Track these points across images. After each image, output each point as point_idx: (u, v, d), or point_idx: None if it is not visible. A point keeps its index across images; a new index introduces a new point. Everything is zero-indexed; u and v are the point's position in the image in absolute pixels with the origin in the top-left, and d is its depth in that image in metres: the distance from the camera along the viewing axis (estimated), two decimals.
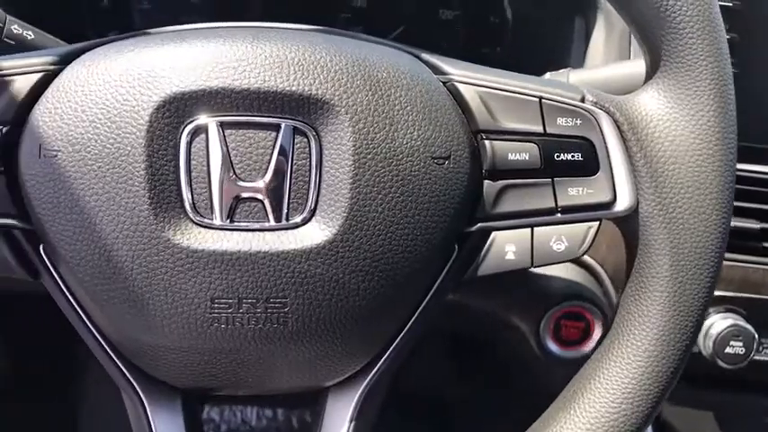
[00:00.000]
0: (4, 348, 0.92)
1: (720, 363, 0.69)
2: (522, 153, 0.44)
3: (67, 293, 0.45)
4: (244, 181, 0.42)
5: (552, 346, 0.68)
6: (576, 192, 0.45)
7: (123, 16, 0.82)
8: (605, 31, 0.73)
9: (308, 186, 0.42)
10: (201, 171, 0.41)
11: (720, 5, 0.45)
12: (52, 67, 0.43)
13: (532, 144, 0.44)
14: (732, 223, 0.46)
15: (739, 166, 0.46)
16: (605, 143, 0.45)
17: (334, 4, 0.84)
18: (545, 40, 0.81)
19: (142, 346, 0.44)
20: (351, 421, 0.47)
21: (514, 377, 1.06)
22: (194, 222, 0.41)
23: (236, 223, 0.42)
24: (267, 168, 0.42)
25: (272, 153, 0.42)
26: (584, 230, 0.46)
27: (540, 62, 0.65)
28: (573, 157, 0.45)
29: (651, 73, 0.46)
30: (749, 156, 0.70)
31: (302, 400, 1.15)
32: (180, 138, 0.41)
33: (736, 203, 0.46)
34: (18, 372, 0.96)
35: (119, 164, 0.41)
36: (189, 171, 0.41)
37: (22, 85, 0.43)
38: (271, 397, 1.14)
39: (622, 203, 0.45)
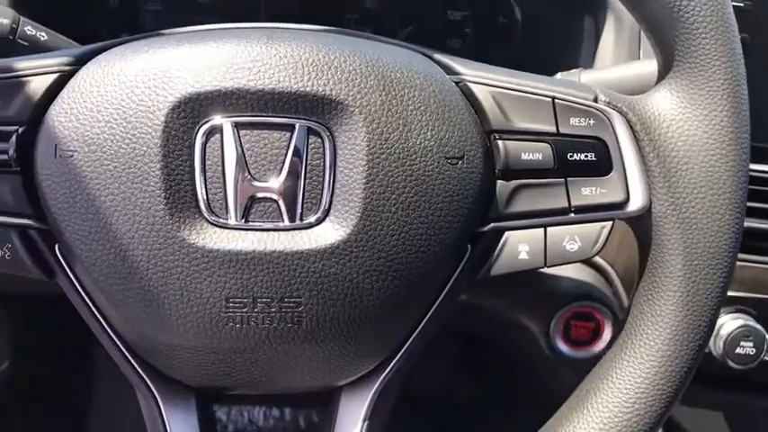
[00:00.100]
0: (14, 350, 0.92)
1: (731, 363, 0.69)
2: (535, 153, 0.44)
3: (83, 293, 0.45)
4: (258, 181, 0.42)
5: (562, 347, 0.69)
6: (590, 192, 0.45)
7: (132, 17, 0.83)
8: (615, 32, 0.73)
9: (322, 186, 0.42)
10: (216, 171, 0.42)
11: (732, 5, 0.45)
12: (67, 68, 0.44)
13: (545, 144, 0.44)
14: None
15: (751, 166, 0.46)
16: (618, 143, 0.45)
17: (343, 5, 0.84)
18: (554, 40, 0.81)
19: (157, 345, 0.44)
20: (364, 420, 0.47)
21: (521, 377, 1.06)
22: (209, 222, 0.42)
23: (250, 223, 0.42)
24: (281, 168, 0.42)
25: (287, 153, 0.42)
26: (597, 230, 0.46)
27: (550, 63, 0.65)
28: (586, 156, 0.45)
29: (664, 73, 0.46)
30: (762, 156, 0.70)
31: (309, 400, 1.15)
32: (195, 138, 0.41)
33: (747, 204, 0.46)
34: (27, 374, 0.97)
35: (134, 164, 0.41)
36: (204, 171, 0.42)
37: (37, 85, 0.43)
38: (278, 397, 1.14)
39: (635, 203, 0.45)
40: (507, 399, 1.10)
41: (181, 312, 0.42)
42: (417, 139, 0.43)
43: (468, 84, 0.45)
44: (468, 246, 0.46)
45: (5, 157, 0.42)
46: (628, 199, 0.45)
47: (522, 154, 0.44)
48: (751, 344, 0.69)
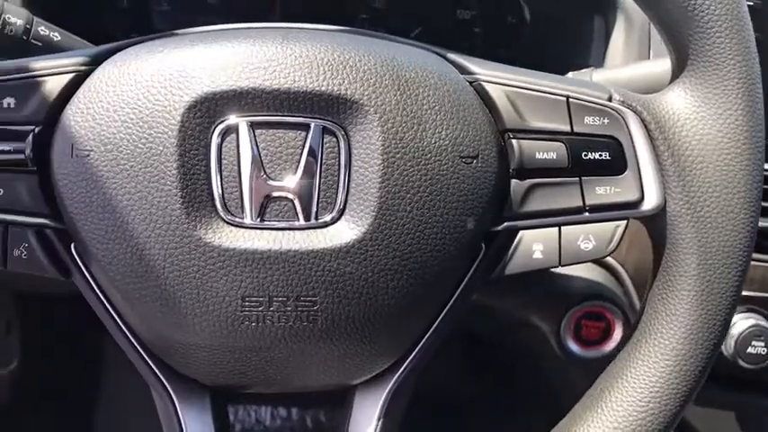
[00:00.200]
0: (24, 350, 0.93)
1: (742, 363, 0.69)
2: (549, 152, 0.44)
3: (99, 292, 0.45)
4: (274, 180, 0.42)
5: (573, 346, 0.69)
6: (604, 191, 0.45)
7: (142, 17, 0.83)
8: (625, 31, 0.73)
9: (337, 186, 0.42)
10: (232, 171, 0.42)
11: None
12: (83, 68, 0.44)
13: (560, 143, 0.45)
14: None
15: (766, 165, 0.46)
16: (633, 142, 0.45)
17: (353, 5, 0.84)
18: (564, 39, 0.81)
19: (173, 344, 0.45)
20: (378, 419, 0.47)
21: (528, 377, 1.06)
22: (225, 221, 0.42)
23: (266, 222, 0.42)
24: (297, 168, 0.42)
25: (302, 153, 0.42)
26: (611, 229, 0.46)
27: (559, 62, 0.65)
28: (600, 156, 0.45)
29: (678, 72, 0.46)
30: None
31: (316, 400, 1.16)
32: (211, 138, 0.42)
33: (762, 203, 0.46)
34: (36, 374, 0.97)
35: (151, 163, 0.41)
36: (220, 170, 0.42)
37: (53, 85, 0.43)
38: (285, 396, 1.14)
39: (650, 202, 0.45)
40: (513, 398, 1.10)
41: (197, 311, 0.42)
42: (432, 138, 0.43)
43: (483, 83, 0.45)
44: (483, 245, 0.46)
45: (22, 156, 0.42)
46: (642, 198, 0.45)
47: (537, 153, 0.44)
48: (762, 343, 0.69)
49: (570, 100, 0.45)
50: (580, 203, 0.45)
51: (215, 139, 0.42)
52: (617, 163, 0.45)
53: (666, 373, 0.45)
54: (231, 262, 0.41)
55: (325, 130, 0.42)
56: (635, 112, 0.45)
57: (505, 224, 0.45)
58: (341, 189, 0.42)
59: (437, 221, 0.43)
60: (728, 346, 0.69)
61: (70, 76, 0.43)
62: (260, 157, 0.42)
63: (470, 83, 0.45)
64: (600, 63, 0.75)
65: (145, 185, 0.41)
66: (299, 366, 0.45)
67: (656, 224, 0.46)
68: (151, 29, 0.82)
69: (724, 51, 0.43)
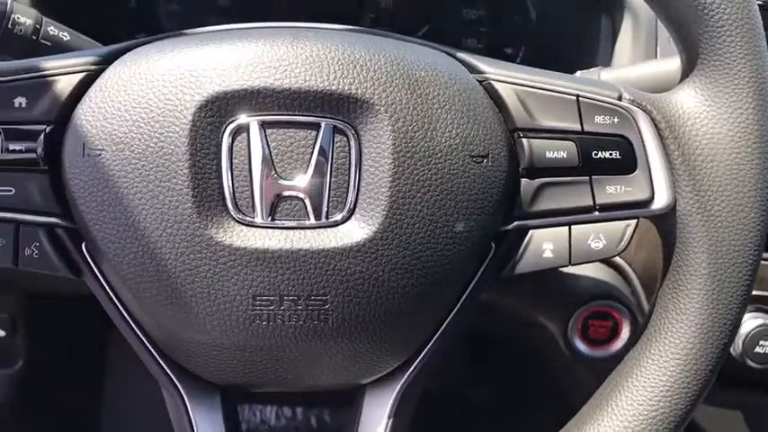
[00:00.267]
0: (29, 350, 0.93)
1: (749, 362, 0.69)
2: (559, 151, 0.44)
3: (110, 291, 0.45)
4: (284, 180, 0.42)
5: (580, 346, 0.68)
6: (614, 190, 0.45)
7: (150, 18, 0.83)
8: (632, 31, 0.73)
9: (348, 185, 0.42)
10: (243, 170, 0.42)
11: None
12: (94, 67, 0.44)
13: (570, 142, 0.45)
14: None
15: None
16: (643, 141, 0.45)
17: (359, 5, 0.84)
18: (571, 39, 0.81)
19: (183, 342, 0.45)
20: (389, 418, 0.47)
21: (535, 377, 1.06)
22: (236, 220, 0.42)
23: (277, 221, 0.42)
24: (307, 167, 0.42)
25: (313, 152, 0.42)
26: (621, 228, 0.46)
27: (566, 62, 0.65)
28: (611, 154, 0.45)
29: (688, 71, 0.46)
30: None
31: (321, 399, 1.16)
32: (222, 137, 0.42)
33: None
34: (41, 374, 0.97)
35: (162, 162, 0.41)
36: (231, 170, 0.42)
37: (64, 85, 0.43)
38: (290, 396, 1.14)
39: (660, 201, 0.45)
40: (520, 398, 1.10)
41: (208, 310, 0.42)
42: (442, 137, 0.43)
43: (492, 82, 0.45)
44: (493, 244, 0.46)
45: (33, 155, 0.42)
46: (653, 197, 0.45)
47: (547, 152, 0.45)
48: None
49: (580, 99, 0.45)
50: (590, 202, 0.45)
51: (226, 139, 0.42)
52: (627, 162, 0.45)
53: (677, 372, 0.45)
54: (242, 261, 0.42)
55: (335, 130, 0.42)
56: (645, 111, 0.45)
57: (515, 223, 0.45)
58: (351, 188, 0.42)
59: (447, 221, 0.43)
60: (736, 346, 0.69)
61: (81, 75, 0.44)
62: (271, 156, 0.42)
63: (480, 82, 0.45)
64: (607, 63, 0.75)
65: (156, 185, 0.41)
66: (309, 365, 0.45)
67: (666, 223, 0.46)
68: (158, 29, 0.82)
69: (734, 51, 0.43)
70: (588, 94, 0.45)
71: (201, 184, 0.41)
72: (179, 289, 0.42)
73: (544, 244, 0.46)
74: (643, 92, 0.46)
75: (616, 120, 0.45)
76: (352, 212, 0.42)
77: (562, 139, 0.45)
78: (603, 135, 0.45)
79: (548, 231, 0.46)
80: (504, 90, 0.45)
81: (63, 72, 0.44)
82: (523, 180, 0.45)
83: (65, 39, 0.56)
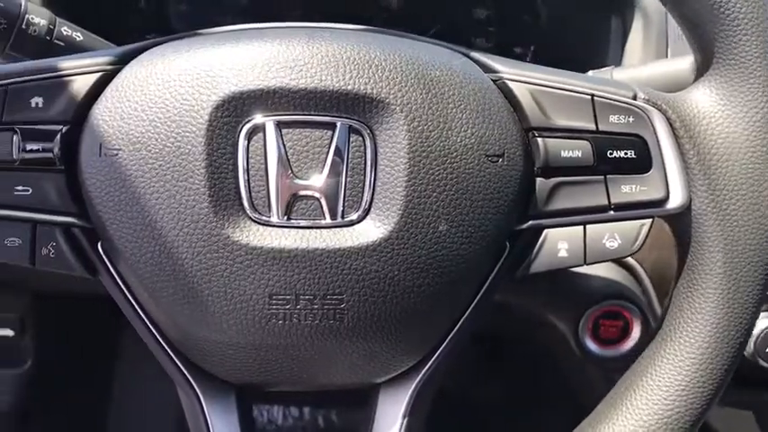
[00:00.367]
0: (38, 350, 0.93)
1: (762, 362, 0.69)
2: (574, 150, 0.44)
3: (126, 291, 0.45)
4: (300, 179, 0.42)
5: (591, 345, 0.68)
6: (629, 189, 0.45)
7: (161, 18, 0.83)
8: (643, 31, 0.73)
9: (364, 184, 0.42)
10: (259, 169, 0.42)
11: None
12: (110, 67, 0.44)
13: (585, 141, 0.45)
14: None
15: None
16: (658, 140, 0.45)
17: (368, 5, 0.84)
18: (580, 39, 0.81)
19: (199, 341, 0.45)
20: (404, 417, 0.47)
21: (545, 376, 1.06)
22: (252, 220, 0.42)
23: (293, 221, 0.42)
24: (323, 167, 0.42)
25: (328, 151, 0.42)
26: (636, 227, 0.46)
27: (576, 62, 0.65)
28: (626, 154, 0.45)
29: (702, 70, 0.46)
30: None
31: (328, 399, 1.16)
32: (238, 137, 0.42)
33: None
34: (50, 374, 0.97)
35: (179, 162, 0.41)
36: (247, 169, 0.42)
37: (80, 85, 0.43)
38: (297, 396, 1.14)
39: (675, 201, 0.45)
40: (532, 397, 1.10)
41: (224, 309, 0.42)
42: (458, 137, 0.43)
43: (507, 81, 0.45)
44: (507, 243, 0.46)
45: (50, 155, 0.43)
46: (668, 196, 0.45)
47: (562, 151, 0.45)
48: None
49: (595, 98, 0.45)
50: (605, 202, 0.45)
51: (242, 139, 0.42)
52: (642, 161, 0.45)
53: (692, 371, 0.45)
54: (258, 260, 0.42)
55: (351, 129, 0.42)
56: (660, 110, 0.45)
57: (530, 222, 0.45)
58: (367, 188, 0.42)
59: (463, 220, 0.43)
60: (748, 346, 0.69)
61: (97, 75, 0.44)
62: (286, 156, 0.42)
63: (495, 81, 0.45)
64: (618, 62, 0.75)
65: (173, 184, 0.41)
66: (324, 364, 0.45)
67: (680, 223, 0.46)
68: (168, 29, 0.82)
69: (750, 50, 0.43)
70: (603, 94, 0.45)
71: (218, 183, 0.41)
72: (195, 288, 0.42)
73: (559, 243, 0.46)
74: (658, 91, 0.46)
75: (631, 119, 0.45)
76: (367, 212, 0.43)
77: (577, 138, 0.45)
78: (618, 134, 0.45)
79: (562, 231, 0.46)
80: (518, 89, 0.45)
81: (79, 72, 0.44)
82: (538, 179, 0.45)
83: (78, 39, 0.56)
